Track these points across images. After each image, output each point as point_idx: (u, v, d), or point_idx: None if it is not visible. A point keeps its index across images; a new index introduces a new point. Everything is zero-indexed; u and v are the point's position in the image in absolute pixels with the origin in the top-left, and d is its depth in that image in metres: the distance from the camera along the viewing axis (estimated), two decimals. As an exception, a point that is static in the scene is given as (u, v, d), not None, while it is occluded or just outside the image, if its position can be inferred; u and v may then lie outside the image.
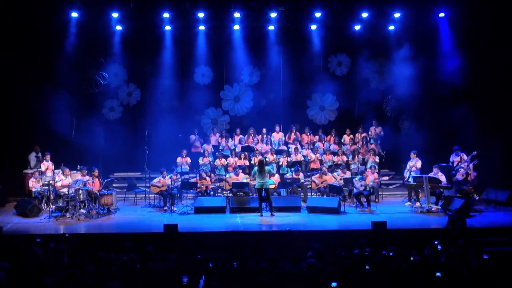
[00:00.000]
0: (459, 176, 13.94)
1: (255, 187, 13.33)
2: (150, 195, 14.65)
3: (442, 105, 16.30)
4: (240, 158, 15.41)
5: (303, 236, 11.08)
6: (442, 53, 16.54)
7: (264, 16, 16.65)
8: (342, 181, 14.27)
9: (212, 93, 17.90)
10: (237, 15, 16.47)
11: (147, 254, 8.82)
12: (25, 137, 15.51)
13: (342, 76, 17.95)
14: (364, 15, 16.53)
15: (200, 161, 15.55)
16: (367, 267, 7.73)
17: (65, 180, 13.47)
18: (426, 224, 12.57)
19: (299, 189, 14.73)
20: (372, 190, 13.89)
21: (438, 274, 7.33)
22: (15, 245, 9.43)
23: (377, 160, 15.42)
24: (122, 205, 14.53)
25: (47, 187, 13.34)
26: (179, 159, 15.33)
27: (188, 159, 15.57)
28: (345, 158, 15.59)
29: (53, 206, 13.24)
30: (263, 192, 13.16)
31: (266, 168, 13.37)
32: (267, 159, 14.43)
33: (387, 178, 15.03)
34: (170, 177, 14.09)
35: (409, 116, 17.43)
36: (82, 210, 13.10)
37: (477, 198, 13.98)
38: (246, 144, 16.19)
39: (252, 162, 15.34)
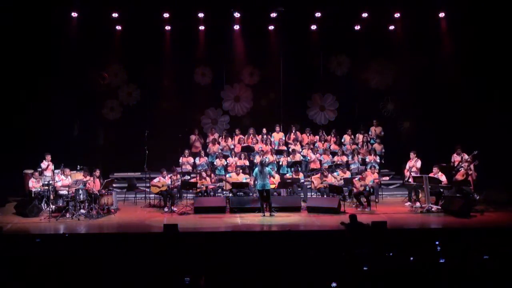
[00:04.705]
0: (459, 176, 13.93)
1: (256, 188, 13.32)
2: (150, 195, 14.66)
3: (443, 105, 16.30)
4: (240, 158, 15.41)
5: (303, 236, 11.07)
6: (442, 53, 16.54)
7: (264, 16, 16.66)
8: (342, 181, 14.27)
9: (212, 93, 17.91)
10: (237, 15, 16.49)
11: (146, 254, 8.81)
12: (25, 137, 15.50)
13: (342, 76, 17.95)
14: (364, 15, 16.55)
15: (197, 161, 15.55)
16: (367, 267, 7.72)
17: (65, 180, 13.47)
18: (426, 224, 12.59)
19: (299, 189, 14.73)
20: (372, 190, 13.89)
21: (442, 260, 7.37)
22: (15, 245, 9.44)
23: (378, 160, 15.42)
24: (122, 205, 14.53)
25: (47, 187, 13.33)
26: (181, 159, 15.33)
27: (190, 159, 15.57)
28: (345, 158, 15.58)
29: (53, 206, 13.23)
30: (264, 193, 13.17)
31: (266, 169, 13.36)
32: (267, 160, 14.42)
33: (387, 178, 15.02)
34: (170, 177, 14.09)
35: (409, 116, 17.45)
36: (82, 210, 13.09)
37: (477, 198, 13.97)
38: (246, 144, 16.18)
39: (255, 161, 15.34)
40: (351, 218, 10.30)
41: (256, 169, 13.51)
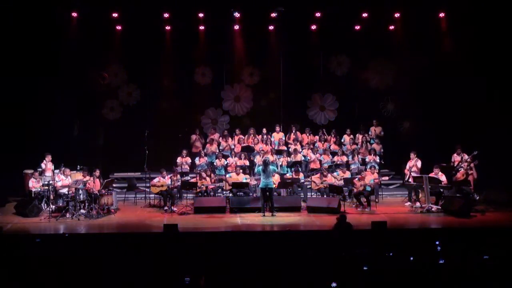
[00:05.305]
0: (459, 176, 13.92)
1: (260, 186, 13.31)
2: (150, 195, 14.66)
3: (443, 105, 16.28)
4: (240, 158, 15.40)
5: (303, 236, 11.08)
6: (442, 53, 16.53)
7: (264, 16, 16.66)
8: (342, 181, 14.27)
9: (212, 93, 17.91)
10: (237, 15, 16.50)
11: (146, 254, 8.82)
12: (25, 137, 15.50)
13: (342, 76, 17.95)
14: (364, 15, 16.56)
15: (197, 161, 15.55)
16: (367, 267, 7.73)
17: (65, 180, 13.48)
18: (426, 224, 12.58)
19: (299, 189, 14.73)
20: (372, 189, 13.88)
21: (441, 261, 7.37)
22: (15, 245, 9.45)
23: (377, 160, 15.41)
24: (122, 205, 14.52)
25: (47, 187, 13.33)
26: (179, 159, 15.32)
27: (188, 159, 15.57)
28: (345, 158, 15.58)
29: (53, 206, 13.23)
30: (267, 192, 13.17)
31: (270, 167, 13.36)
32: (269, 159, 14.41)
33: (387, 178, 15.01)
34: (170, 177, 14.08)
35: (409, 116, 17.44)
36: (82, 210, 13.09)
37: (478, 198, 13.97)
38: (245, 144, 16.18)
39: (255, 161, 15.34)
40: (341, 218, 10.30)
41: (260, 168, 13.49)
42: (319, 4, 16.47)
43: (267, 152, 15.35)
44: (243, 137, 16.42)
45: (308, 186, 14.83)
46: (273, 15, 16.57)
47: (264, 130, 16.46)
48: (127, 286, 7.08)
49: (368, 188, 13.79)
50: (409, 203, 14.23)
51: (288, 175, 14.75)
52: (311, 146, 16.21)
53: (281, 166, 15.27)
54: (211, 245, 9.98)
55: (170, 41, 17.19)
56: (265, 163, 13.33)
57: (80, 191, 12.99)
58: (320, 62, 17.93)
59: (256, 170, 13.81)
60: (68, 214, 12.91)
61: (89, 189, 13.19)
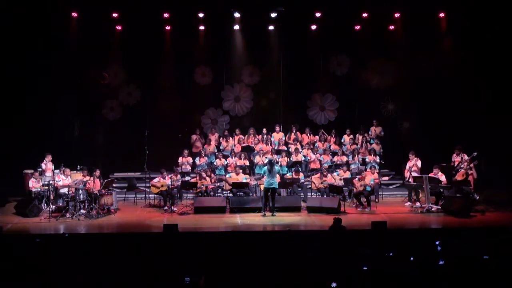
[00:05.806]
0: (459, 177, 13.91)
1: (264, 186, 13.29)
2: (150, 195, 14.66)
3: (443, 105, 16.28)
4: (240, 158, 15.40)
5: (303, 236, 11.08)
6: (442, 54, 16.53)
7: (264, 16, 16.67)
8: (342, 181, 14.26)
9: (212, 93, 17.92)
10: (237, 15, 16.50)
11: (146, 254, 8.81)
12: (25, 137, 15.50)
13: (342, 76, 17.95)
14: (364, 15, 16.56)
15: (197, 161, 15.54)
16: (367, 267, 7.73)
17: (65, 180, 13.48)
18: (426, 224, 12.59)
19: (299, 189, 14.73)
20: (372, 189, 13.88)
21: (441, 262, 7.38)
22: (15, 245, 9.45)
23: (378, 160, 15.41)
24: (122, 205, 14.53)
25: (47, 187, 13.33)
26: (180, 159, 15.33)
27: (190, 159, 15.57)
28: (345, 158, 15.58)
29: (53, 206, 13.23)
30: (269, 191, 13.16)
31: (276, 168, 13.36)
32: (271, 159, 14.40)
33: (387, 178, 15.02)
34: (170, 177, 14.08)
35: (409, 116, 17.44)
36: (82, 210, 13.09)
37: (478, 198, 13.97)
38: (245, 144, 16.18)
39: (255, 161, 15.34)
40: (336, 221, 10.28)
41: (265, 168, 13.50)
42: (319, 4, 16.48)
43: (267, 152, 15.35)
44: (243, 137, 16.41)
45: (308, 186, 14.82)
46: (273, 15, 16.57)
47: (264, 130, 16.46)
48: (127, 286, 7.07)
49: (368, 188, 13.80)
50: (409, 203, 14.24)
51: (288, 175, 14.74)
52: (311, 146, 16.20)
53: (280, 166, 15.27)
54: (211, 245, 9.98)
55: (170, 41, 17.21)
56: (271, 163, 13.31)
57: (80, 191, 13.00)
58: (320, 62, 17.94)
59: (262, 171, 13.81)
60: (68, 214, 12.92)
61: (89, 189, 13.19)
